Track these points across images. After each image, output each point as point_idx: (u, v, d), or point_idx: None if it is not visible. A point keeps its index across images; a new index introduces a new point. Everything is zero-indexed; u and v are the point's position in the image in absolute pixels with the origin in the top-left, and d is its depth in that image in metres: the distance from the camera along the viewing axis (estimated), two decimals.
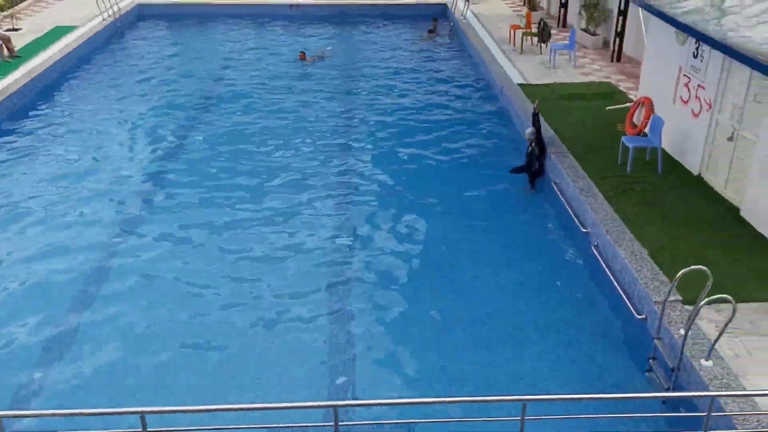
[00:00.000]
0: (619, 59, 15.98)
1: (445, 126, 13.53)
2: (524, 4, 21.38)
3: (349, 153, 12.28)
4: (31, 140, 12.69)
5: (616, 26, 15.85)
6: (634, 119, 11.12)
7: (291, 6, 22.43)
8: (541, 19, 17.44)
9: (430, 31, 20.22)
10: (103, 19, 19.58)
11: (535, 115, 10.90)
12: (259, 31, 20.82)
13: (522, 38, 17.16)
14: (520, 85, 14.42)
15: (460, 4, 20.79)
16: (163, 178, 11.32)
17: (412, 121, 13.81)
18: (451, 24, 20.68)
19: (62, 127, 13.36)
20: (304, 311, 7.87)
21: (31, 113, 13.96)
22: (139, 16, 21.81)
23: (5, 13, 19.45)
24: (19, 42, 16.85)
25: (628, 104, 12.29)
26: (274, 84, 15.97)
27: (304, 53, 17.56)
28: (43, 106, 14.37)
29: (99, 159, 11.93)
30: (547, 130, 11.74)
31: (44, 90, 15.18)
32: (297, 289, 8.28)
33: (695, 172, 9.96)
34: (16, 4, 20.57)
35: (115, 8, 20.03)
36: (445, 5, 22.31)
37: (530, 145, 10.79)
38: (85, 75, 16.51)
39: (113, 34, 19.59)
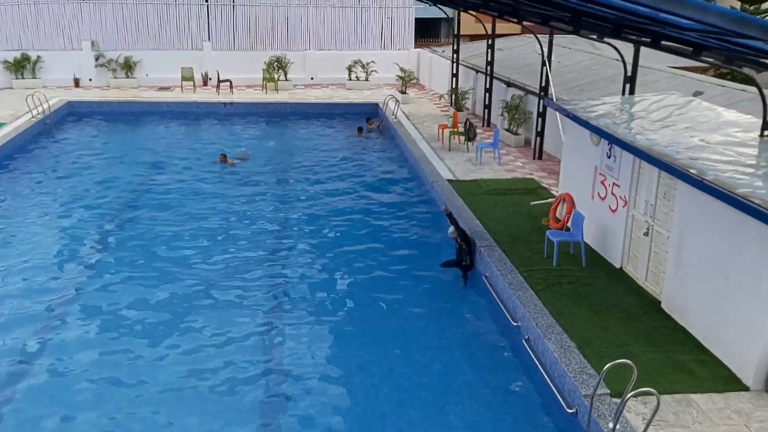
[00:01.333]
0: (540, 157, 16.82)
1: (378, 221, 13.76)
2: (451, 105, 22.40)
3: (278, 255, 12.17)
4: None
5: (536, 127, 16.78)
6: (557, 214, 11.63)
7: (225, 104, 22.83)
8: (467, 120, 18.29)
9: (361, 130, 20.84)
10: (32, 117, 19.39)
11: (449, 216, 11.25)
12: (191, 129, 21.00)
13: (449, 137, 17.90)
14: (450, 181, 14.92)
15: (391, 104, 21.63)
16: (81, 282, 10.92)
17: (345, 218, 13.98)
18: (383, 122, 21.40)
19: None
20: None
21: None
22: (69, 113, 21.73)
23: None
24: None
25: (551, 200, 12.87)
26: (201, 185, 15.77)
27: (225, 155, 17.31)
28: None
29: (18, 259, 11.51)
30: (475, 225, 12.13)
31: None
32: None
33: (617, 265, 10.40)
34: None
35: (45, 106, 19.91)
36: (376, 105, 23.16)
37: (456, 241, 11.09)
38: (11, 173, 16.15)
39: (42, 132, 19.36)
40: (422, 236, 13.11)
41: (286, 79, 25.41)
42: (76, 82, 24.46)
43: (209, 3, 25.74)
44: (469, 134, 17.55)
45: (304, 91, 25.36)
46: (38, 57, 24.08)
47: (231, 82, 24.44)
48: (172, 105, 22.64)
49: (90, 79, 24.67)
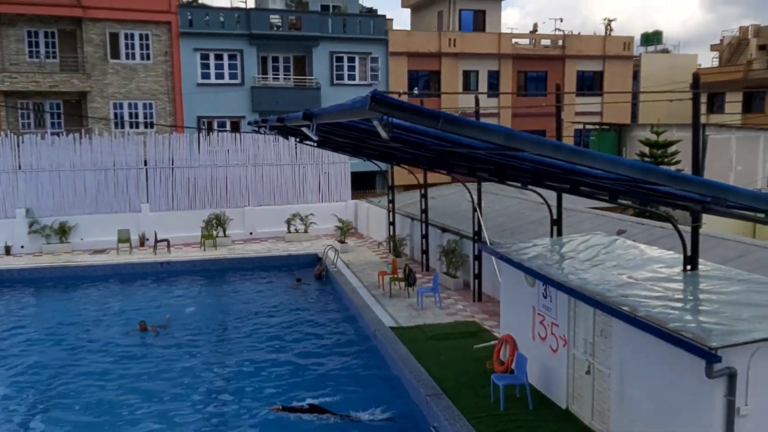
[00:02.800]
0: (480, 299, 17.09)
1: (320, 373, 13.44)
2: (390, 252, 22.83)
3: (215, 414, 11.68)
4: None
5: (473, 270, 17.19)
6: (501, 356, 11.67)
7: (162, 264, 22.63)
8: (406, 265, 18.63)
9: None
10: None
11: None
12: (126, 292, 20.49)
13: (390, 283, 18.09)
14: (392, 328, 14.90)
15: (331, 254, 21.88)
16: None
17: (287, 373, 13.60)
18: (323, 272, 21.51)
19: None
20: None
21: None
22: None
23: None
24: None
25: (493, 342, 12.94)
26: (132, 352, 15.01)
27: (144, 323, 16.38)
28: None
29: None
30: (420, 372, 12.03)
31: None
32: None
33: (563, 406, 10.37)
34: None
35: None
36: (316, 255, 23.39)
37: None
38: None
39: None
40: (366, 385, 12.82)
41: (225, 236, 25.55)
42: (7, 250, 23.93)
43: (147, 167, 26.20)
44: (409, 280, 17.81)
45: (243, 246, 25.47)
46: None
47: (168, 242, 24.38)
48: (107, 268, 22.23)
49: (22, 246, 24.21)
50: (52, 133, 27.99)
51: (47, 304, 19.41)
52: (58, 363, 14.46)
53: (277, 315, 17.80)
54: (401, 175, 25.35)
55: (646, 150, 30.70)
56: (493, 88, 41.21)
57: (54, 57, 33.90)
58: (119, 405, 12.21)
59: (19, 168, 24.92)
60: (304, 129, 8.51)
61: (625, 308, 8.27)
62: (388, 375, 13.21)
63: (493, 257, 14.88)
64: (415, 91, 34.90)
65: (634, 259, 10.54)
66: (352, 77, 37.88)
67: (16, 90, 32.74)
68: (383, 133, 5.47)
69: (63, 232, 24.40)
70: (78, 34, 34.01)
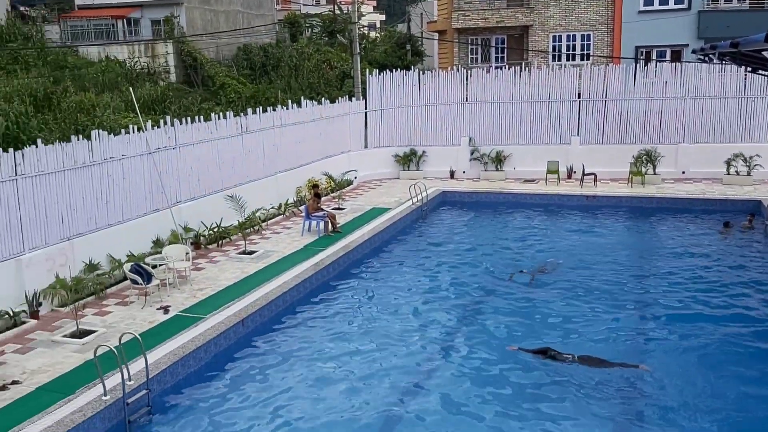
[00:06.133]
0: None
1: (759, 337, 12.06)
2: None
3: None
4: (335, 309, 14.12)
5: None
6: None
7: (588, 198, 22.74)
8: None
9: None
10: (413, 203, 21.78)
11: None
12: (552, 221, 21.22)
13: None
14: None
15: None
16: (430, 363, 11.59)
17: (716, 327, 12.56)
18: (766, 222, 18.97)
19: (356, 303, 14.64)
20: None
21: (339, 284, 15.57)
22: (442, 201, 23.88)
23: (333, 194, 22.91)
24: (341, 219, 19.65)
25: None
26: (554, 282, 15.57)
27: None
28: (351, 280, 15.95)
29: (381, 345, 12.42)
30: None
31: (355, 263, 16.97)
32: None
33: None
34: (343, 188, 24.10)
35: (424, 194, 22.20)
36: (759, 202, 20.71)
37: None
38: (390, 252, 18.22)
39: (419, 217, 21.58)
40: None
41: (655, 173, 24.30)
42: (452, 174, 26.86)
43: (581, 100, 26.24)
44: None
45: (674, 185, 23.89)
46: (423, 152, 27.18)
47: (595, 176, 24.28)
48: (536, 197, 23.28)
49: (464, 172, 26.87)
50: (496, 67, 29.95)
51: (483, 224, 21.35)
52: (488, 280, 15.79)
53: (700, 263, 16.39)
54: None
55: None
56: None
57: None
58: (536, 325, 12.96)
59: (466, 100, 27.44)
60: (765, 53, 7.37)
61: None
62: None
63: None
64: None
65: None
66: None
67: (468, 27, 35.89)
68: None
69: (499, 160, 26.28)
70: None
